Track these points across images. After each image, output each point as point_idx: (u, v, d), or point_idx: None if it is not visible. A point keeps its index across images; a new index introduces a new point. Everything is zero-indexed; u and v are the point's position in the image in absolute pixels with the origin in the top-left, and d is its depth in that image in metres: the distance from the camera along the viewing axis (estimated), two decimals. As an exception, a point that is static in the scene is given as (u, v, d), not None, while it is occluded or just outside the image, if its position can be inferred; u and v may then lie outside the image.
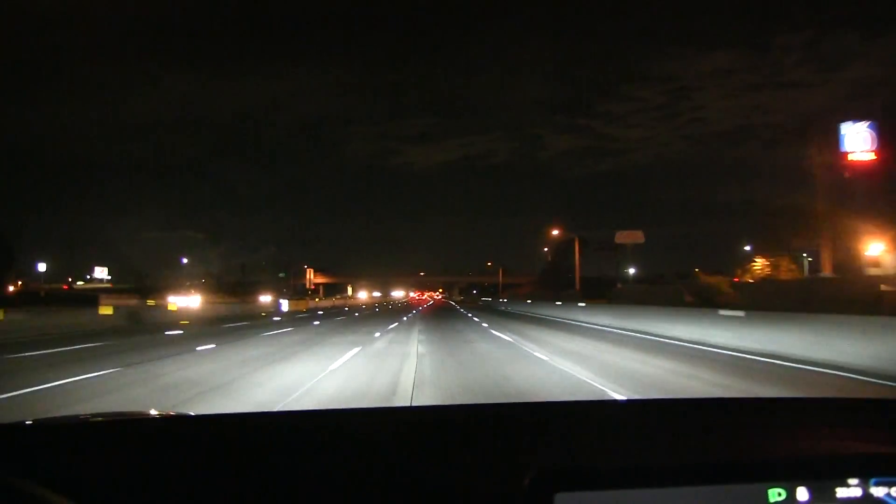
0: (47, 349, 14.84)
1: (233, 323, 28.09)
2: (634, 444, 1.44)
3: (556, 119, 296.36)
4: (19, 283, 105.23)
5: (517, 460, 1.26)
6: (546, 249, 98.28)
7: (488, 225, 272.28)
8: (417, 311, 46.59)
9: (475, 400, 7.96)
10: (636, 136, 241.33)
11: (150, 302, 36.45)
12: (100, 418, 1.77)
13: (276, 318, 33.31)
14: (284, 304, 53.38)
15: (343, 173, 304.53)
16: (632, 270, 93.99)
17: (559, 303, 36.10)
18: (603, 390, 8.55)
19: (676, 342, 16.24)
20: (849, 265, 34.67)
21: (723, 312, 16.34)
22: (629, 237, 63.00)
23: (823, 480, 1.18)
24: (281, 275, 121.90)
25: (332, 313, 43.66)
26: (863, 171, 35.31)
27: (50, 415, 3.68)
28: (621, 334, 19.82)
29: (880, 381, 9.18)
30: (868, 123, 34.02)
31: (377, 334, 19.77)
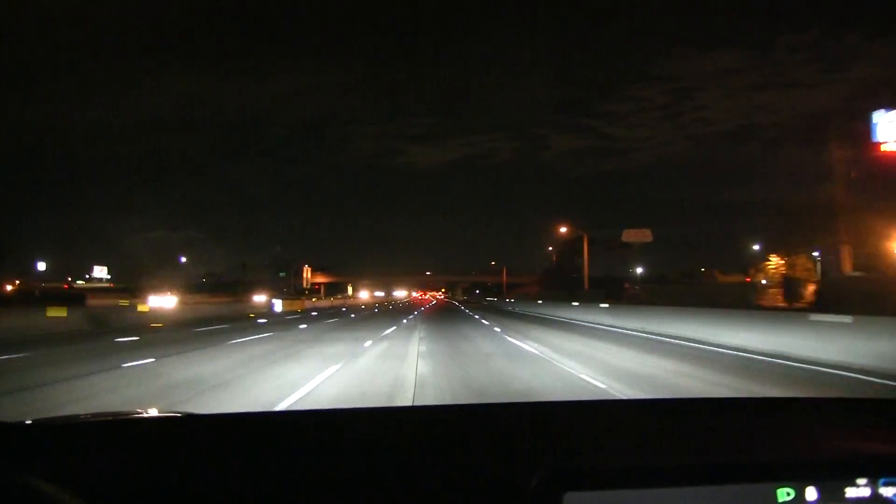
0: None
1: (210, 326, 24.15)
2: (643, 444, 1.42)
3: (559, 119, 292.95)
4: (17, 282, 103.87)
5: (525, 459, 1.25)
6: (550, 249, 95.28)
7: (490, 225, 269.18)
8: (419, 312, 42.49)
9: None
10: (638, 135, 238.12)
11: (124, 302, 32.37)
12: (104, 417, 1.79)
13: (261, 321, 29.32)
14: (278, 305, 49.40)
15: (345, 172, 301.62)
16: (639, 270, 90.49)
17: (576, 303, 32.00)
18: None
19: (782, 361, 11.41)
20: (873, 263, 32.78)
21: (819, 317, 12.31)
22: (637, 236, 60.44)
23: (832, 480, 1.17)
24: (281, 274, 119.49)
25: (326, 314, 39.56)
26: (897, 161, 32.25)
27: None
28: (682, 345, 15.33)
29: None
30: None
31: (368, 343, 15.77)
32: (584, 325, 24.17)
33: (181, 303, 36.65)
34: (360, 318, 33.59)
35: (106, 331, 21.77)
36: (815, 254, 41.44)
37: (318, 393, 8.07)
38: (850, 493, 1.17)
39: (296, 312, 45.57)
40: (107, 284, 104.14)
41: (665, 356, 12.73)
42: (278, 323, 27.20)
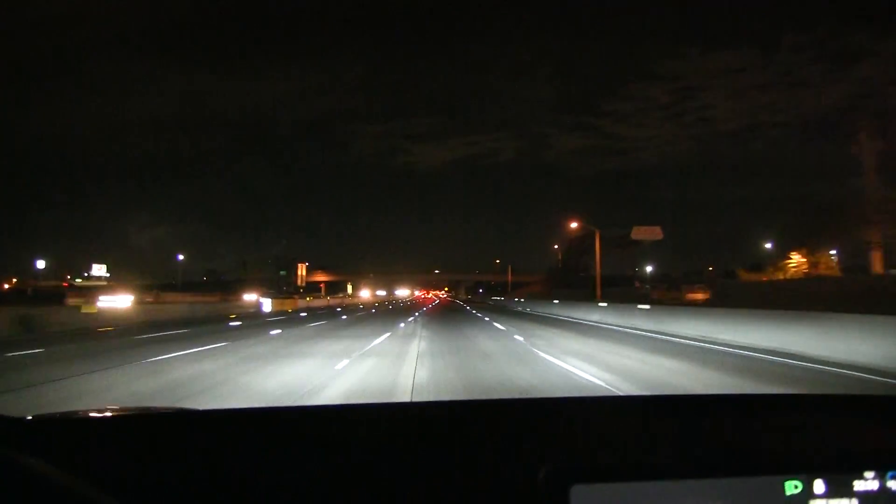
0: None
1: (162, 332, 19.28)
2: (650, 437, 1.40)
3: (562, 118, 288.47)
4: (13, 280, 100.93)
5: (533, 452, 1.24)
6: (556, 247, 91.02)
7: (493, 224, 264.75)
8: (421, 313, 37.41)
9: None
10: (642, 135, 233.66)
11: (78, 302, 27.16)
12: (103, 412, 1.71)
13: (233, 324, 24.34)
14: (267, 304, 44.46)
15: (348, 171, 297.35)
16: (649, 268, 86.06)
17: (603, 304, 26.83)
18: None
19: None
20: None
21: None
22: (647, 233, 57.19)
23: (840, 473, 1.15)
24: (282, 273, 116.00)
25: (316, 316, 34.39)
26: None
27: None
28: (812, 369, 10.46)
29: None
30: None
31: (342, 365, 10.60)
32: (628, 333, 19.07)
33: (148, 303, 31.72)
34: (352, 320, 28.56)
35: (31, 337, 17.40)
36: (832, 252, 40.70)
37: None
38: (859, 486, 1.15)
39: (286, 313, 40.66)
40: (104, 283, 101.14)
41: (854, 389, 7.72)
42: (251, 327, 22.24)
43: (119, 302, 28.43)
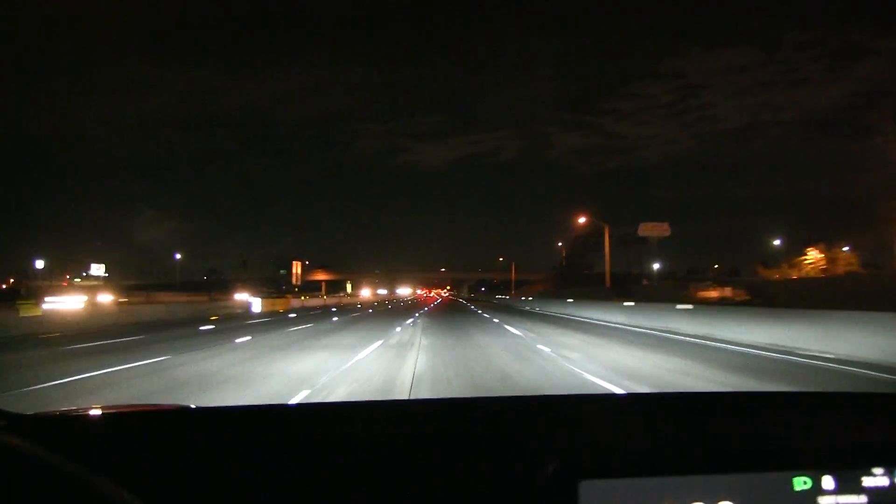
0: None
1: (110, 339, 15.75)
2: (658, 432, 1.37)
3: (564, 116, 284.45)
4: (10, 280, 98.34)
5: (541, 448, 1.21)
6: (560, 245, 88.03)
7: (495, 223, 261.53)
8: (422, 314, 33.77)
9: None
10: (644, 133, 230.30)
11: (25, 303, 23.42)
12: (108, 410, 1.62)
13: (205, 328, 20.71)
14: (256, 304, 40.81)
15: (350, 170, 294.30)
16: (656, 266, 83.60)
17: (629, 303, 23.09)
18: None
19: None
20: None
21: None
22: (654, 230, 55.13)
23: (849, 469, 1.14)
24: (282, 272, 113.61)
25: (308, 317, 30.69)
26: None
27: None
28: None
29: None
30: None
31: (301, 396, 7.19)
32: (672, 339, 15.44)
33: (123, 303, 28.11)
34: (343, 322, 24.93)
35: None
36: (845, 248, 39.71)
37: None
38: (868, 482, 1.13)
39: (276, 313, 37.07)
40: (101, 283, 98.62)
41: None
42: (220, 332, 18.58)
43: (69, 303, 24.73)
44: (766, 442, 1.30)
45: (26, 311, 19.32)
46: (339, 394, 7.36)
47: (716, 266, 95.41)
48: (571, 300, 33.30)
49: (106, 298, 28.18)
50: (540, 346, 13.15)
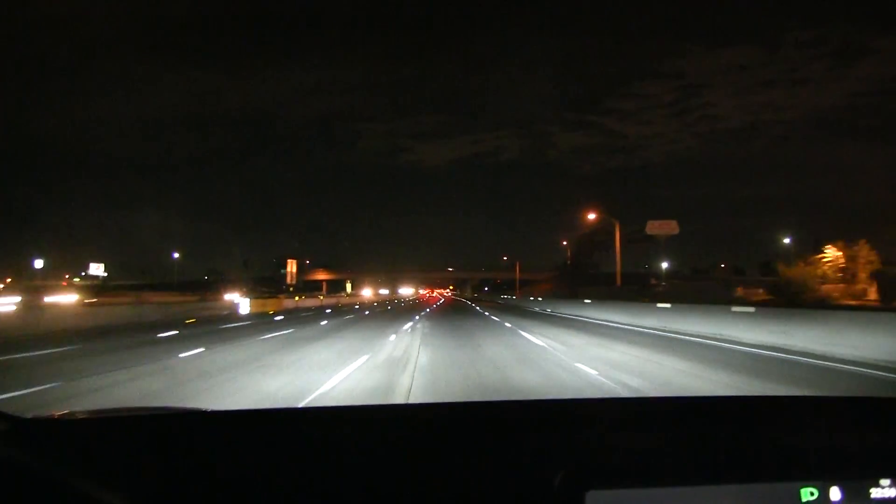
0: None
1: (28, 351, 12.46)
2: (666, 442, 1.33)
3: (566, 116, 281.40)
4: (8, 279, 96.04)
5: (548, 457, 1.19)
6: (565, 243, 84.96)
7: (498, 222, 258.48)
8: (423, 316, 30.33)
9: None
10: (646, 133, 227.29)
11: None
12: (112, 413, 1.61)
13: (167, 334, 17.31)
14: (244, 305, 37.45)
15: (352, 170, 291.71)
16: (664, 265, 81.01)
17: (664, 304, 19.60)
18: None
19: None
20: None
21: None
22: (662, 228, 53.69)
23: (857, 480, 1.12)
24: (283, 271, 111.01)
25: (296, 319, 27.28)
26: None
27: None
28: None
29: None
30: None
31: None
32: (729, 349, 11.97)
33: (88, 304, 24.70)
34: (332, 327, 21.51)
35: None
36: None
37: None
38: (875, 493, 1.11)
39: (265, 315, 33.74)
40: (100, 283, 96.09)
41: None
42: (174, 342, 15.23)
43: (4, 305, 21.31)
44: (775, 451, 1.26)
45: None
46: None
47: (722, 266, 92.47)
48: (589, 301, 29.71)
49: (70, 299, 24.81)
50: (578, 365, 9.68)
